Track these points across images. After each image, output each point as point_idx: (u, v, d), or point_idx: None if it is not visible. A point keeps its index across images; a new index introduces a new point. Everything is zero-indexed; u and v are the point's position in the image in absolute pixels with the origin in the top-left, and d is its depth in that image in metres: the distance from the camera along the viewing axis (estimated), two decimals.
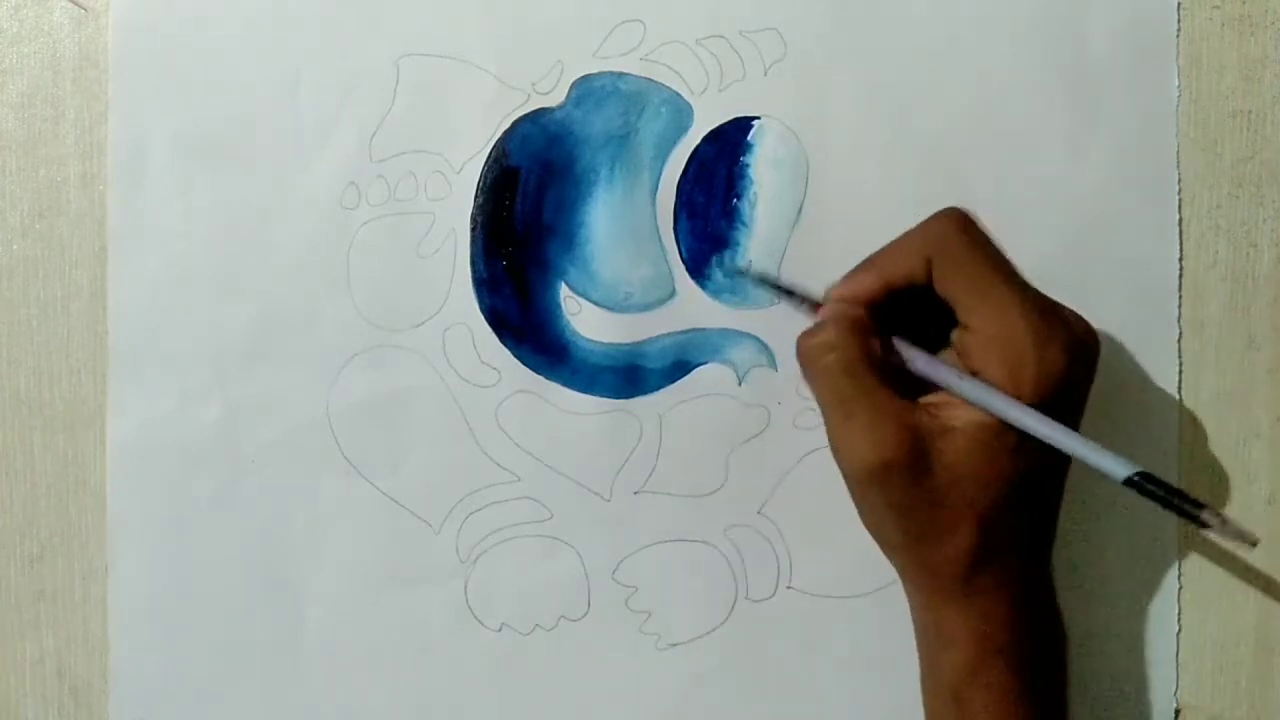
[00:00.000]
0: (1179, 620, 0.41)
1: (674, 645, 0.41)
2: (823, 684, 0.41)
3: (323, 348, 0.41)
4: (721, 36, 0.41)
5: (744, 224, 0.41)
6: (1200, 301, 0.41)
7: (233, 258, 0.41)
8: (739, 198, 0.41)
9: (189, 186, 0.41)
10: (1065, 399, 0.35)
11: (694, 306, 0.41)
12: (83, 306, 0.41)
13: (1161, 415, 0.41)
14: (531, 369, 0.41)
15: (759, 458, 0.41)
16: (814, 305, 0.38)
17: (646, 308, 0.41)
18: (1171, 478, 0.41)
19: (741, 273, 0.40)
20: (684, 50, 0.41)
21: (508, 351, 0.41)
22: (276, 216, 0.41)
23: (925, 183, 0.40)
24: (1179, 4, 0.41)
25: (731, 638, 0.41)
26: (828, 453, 0.41)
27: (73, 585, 0.41)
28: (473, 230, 0.41)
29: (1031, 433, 0.34)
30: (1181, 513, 0.34)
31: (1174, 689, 0.41)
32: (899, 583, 0.38)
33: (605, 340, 0.41)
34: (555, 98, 0.41)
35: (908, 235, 0.36)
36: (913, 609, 0.38)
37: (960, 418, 0.35)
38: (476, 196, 0.41)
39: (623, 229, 0.41)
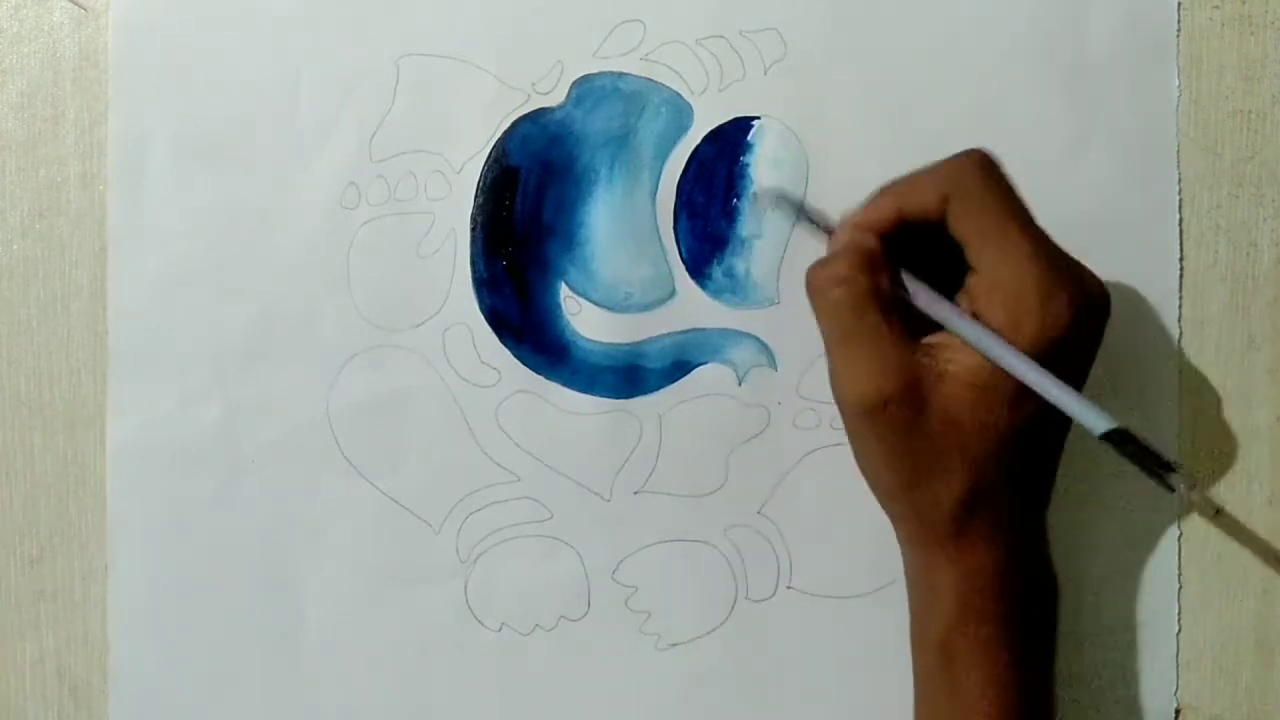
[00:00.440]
0: (1179, 620, 0.41)
1: (674, 645, 0.41)
2: (823, 684, 0.41)
3: (323, 348, 0.41)
4: (721, 36, 0.41)
5: (744, 224, 0.41)
6: (1200, 301, 0.41)
7: (233, 258, 0.41)
8: (739, 198, 0.41)
9: (189, 186, 0.41)
10: (1067, 353, 0.35)
11: (694, 306, 0.41)
12: (83, 306, 0.41)
13: (1161, 415, 0.41)
14: (531, 369, 0.41)
15: (759, 458, 0.41)
16: (828, 230, 0.37)
17: (646, 308, 0.41)
18: None
19: (758, 194, 0.40)
20: (684, 50, 0.41)
21: (508, 351, 0.41)
22: (276, 216, 0.41)
23: None
24: (1179, 4, 0.41)
25: (731, 638, 0.41)
26: (828, 453, 0.41)
27: (73, 585, 0.41)
28: (473, 230, 0.41)
29: (1019, 377, 0.34)
30: (1153, 474, 0.34)
31: (1174, 689, 0.41)
32: (899, 583, 0.38)
33: (605, 340, 0.41)
34: (555, 98, 0.41)
35: (929, 169, 0.36)
36: (905, 562, 0.38)
37: (958, 361, 0.35)
38: (476, 196, 0.41)
39: (623, 229, 0.41)
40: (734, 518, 0.41)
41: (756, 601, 0.41)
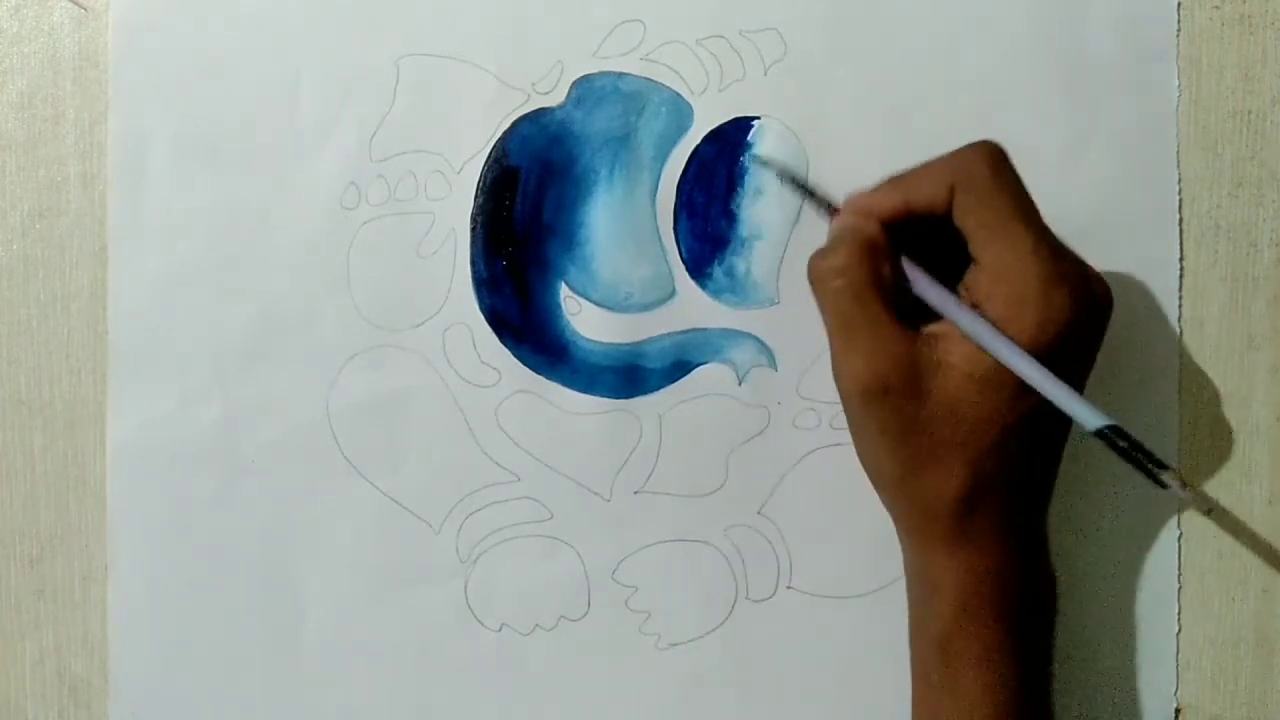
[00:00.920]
0: (1179, 620, 0.41)
1: (674, 645, 0.41)
2: (823, 684, 0.41)
3: (323, 348, 0.41)
4: (721, 36, 0.41)
5: (744, 224, 0.41)
6: (1200, 301, 0.41)
7: (233, 258, 0.41)
8: (739, 198, 0.41)
9: (189, 186, 0.41)
10: (1068, 349, 0.35)
11: (694, 306, 0.41)
12: (83, 306, 0.41)
13: (1161, 414, 0.41)
14: (531, 369, 0.41)
15: (759, 458, 0.41)
16: (832, 209, 0.38)
17: (646, 308, 0.41)
18: None
19: (764, 164, 0.40)
20: (684, 50, 0.41)
21: (508, 351, 0.41)
22: (276, 216, 0.41)
23: None
24: (1179, 4, 0.41)
25: (731, 638, 0.41)
26: (828, 453, 0.41)
27: (73, 585, 0.41)
28: (473, 230, 0.41)
29: (1013, 370, 0.34)
30: (1146, 472, 0.34)
31: (1174, 689, 0.41)
32: (899, 582, 0.38)
33: (605, 340, 0.41)
34: (555, 98, 0.41)
35: (937, 161, 0.36)
36: (904, 558, 0.38)
37: (959, 352, 0.35)
38: (476, 196, 0.41)
39: (623, 229, 0.41)
40: (734, 518, 0.41)
41: (756, 601, 0.41)
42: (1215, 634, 0.41)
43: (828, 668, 0.41)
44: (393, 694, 0.41)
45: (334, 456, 0.41)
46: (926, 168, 0.36)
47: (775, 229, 0.41)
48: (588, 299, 0.41)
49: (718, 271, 0.41)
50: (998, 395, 0.34)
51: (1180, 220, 0.41)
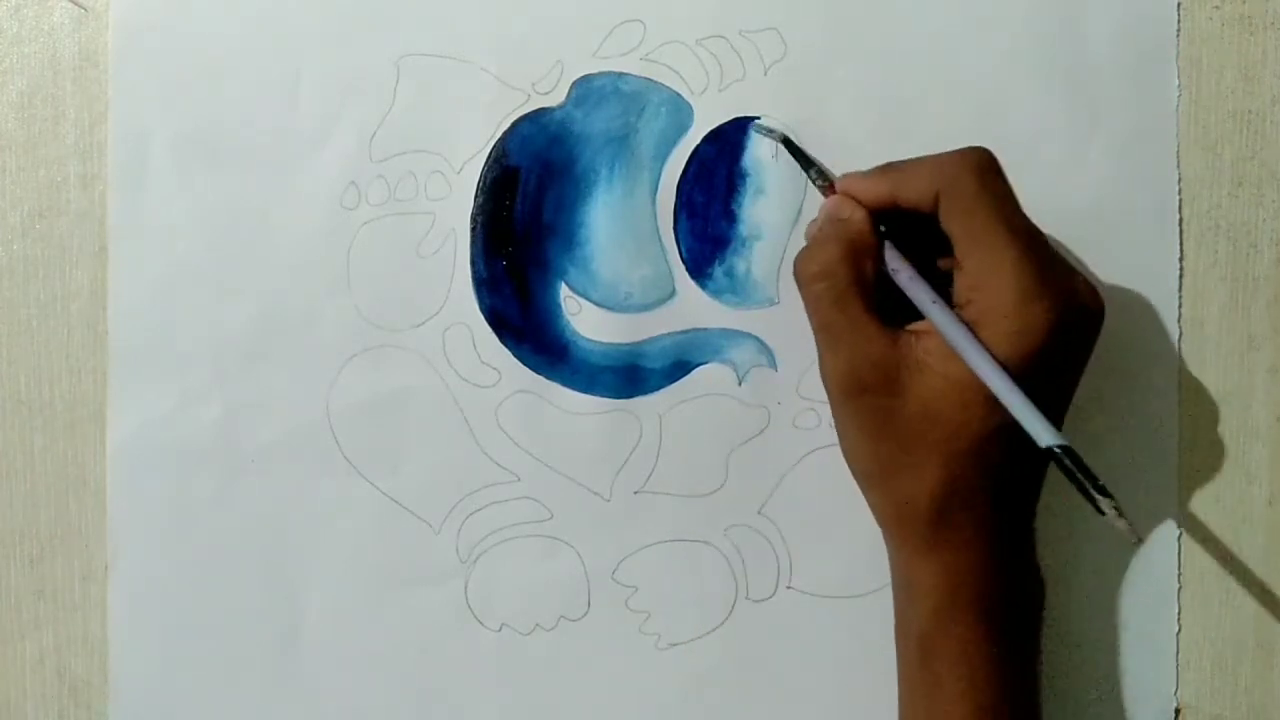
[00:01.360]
0: (1179, 620, 0.41)
1: (674, 645, 0.41)
2: (823, 684, 0.41)
3: (323, 348, 0.41)
4: (721, 36, 0.41)
5: (744, 224, 0.41)
6: (1200, 301, 0.41)
7: (233, 258, 0.41)
8: (739, 198, 0.41)
9: (189, 186, 0.41)
10: (1046, 363, 0.34)
11: (694, 306, 0.41)
12: (83, 306, 0.41)
13: (1161, 414, 0.41)
14: (531, 369, 0.41)
15: (759, 458, 0.41)
16: (829, 186, 0.38)
17: (646, 308, 0.41)
18: (1171, 477, 0.41)
19: (767, 131, 0.40)
20: (684, 50, 0.41)
21: (508, 351, 0.41)
22: (276, 216, 0.41)
23: None
24: (1179, 4, 0.41)
25: (731, 638, 0.41)
26: (828, 453, 0.41)
27: (73, 585, 0.41)
28: (473, 230, 0.41)
29: (976, 373, 0.34)
30: (1086, 495, 0.33)
31: (1174, 689, 0.41)
32: None
33: (605, 340, 0.41)
34: (555, 98, 0.41)
35: (927, 160, 0.36)
36: (889, 556, 0.38)
37: (937, 353, 0.35)
38: (476, 196, 0.41)
39: (623, 229, 0.41)
40: (734, 518, 0.41)
41: (756, 601, 0.41)
42: (1215, 634, 0.41)
43: (828, 668, 0.41)
44: (393, 694, 0.41)
45: (334, 456, 0.41)
46: (917, 165, 0.36)
47: (775, 229, 0.41)
48: (588, 299, 0.41)
49: (718, 271, 0.41)
50: (975, 399, 0.34)
51: (1180, 220, 0.41)
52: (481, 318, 0.41)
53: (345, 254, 0.41)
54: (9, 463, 0.41)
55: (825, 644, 0.41)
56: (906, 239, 0.36)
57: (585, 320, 0.41)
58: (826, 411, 0.41)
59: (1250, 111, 0.41)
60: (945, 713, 0.36)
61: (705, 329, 0.41)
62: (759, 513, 0.41)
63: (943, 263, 0.37)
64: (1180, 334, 0.41)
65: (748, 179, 0.41)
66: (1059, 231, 0.41)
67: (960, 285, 0.35)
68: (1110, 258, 0.41)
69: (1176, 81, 0.41)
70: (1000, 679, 0.36)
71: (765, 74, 0.41)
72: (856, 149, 0.41)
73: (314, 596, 0.41)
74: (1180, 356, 0.41)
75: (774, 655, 0.41)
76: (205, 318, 0.41)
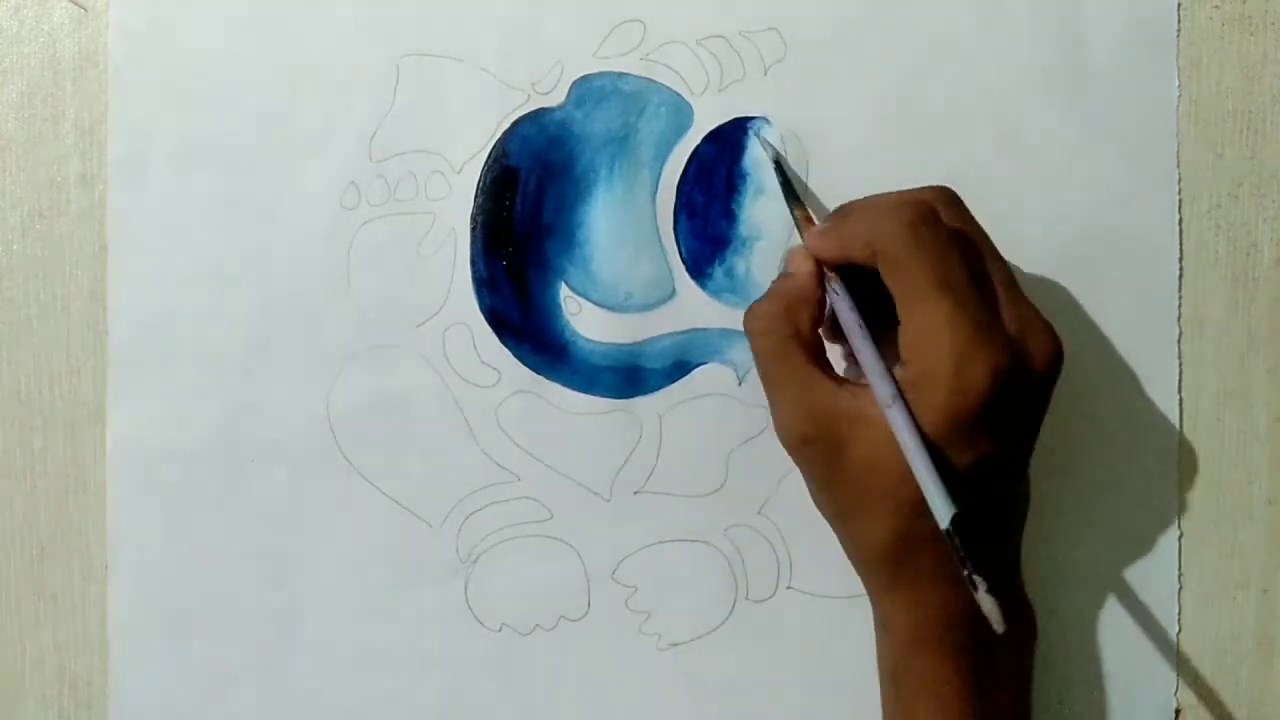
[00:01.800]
0: (1179, 620, 0.41)
1: (674, 645, 0.41)
2: (823, 684, 0.41)
3: (323, 348, 0.41)
4: (721, 36, 0.41)
5: (744, 224, 0.41)
6: (1200, 301, 0.41)
7: (232, 258, 0.41)
8: (739, 198, 0.41)
9: (189, 186, 0.41)
10: (989, 419, 0.33)
11: (694, 306, 0.41)
12: (83, 306, 0.41)
13: (1161, 415, 0.41)
14: (531, 369, 0.41)
15: (759, 458, 0.41)
16: (805, 219, 0.38)
17: (646, 308, 0.41)
18: (1171, 477, 0.41)
19: (765, 144, 0.40)
20: (684, 50, 0.41)
21: (508, 351, 0.41)
22: (276, 216, 0.41)
23: (925, 183, 0.40)
24: (1179, 4, 0.41)
25: (731, 638, 0.41)
26: None
27: (73, 585, 0.41)
28: (473, 230, 0.41)
29: (895, 433, 0.33)
30: (964, 573, 0.32)
31: (1174, 689, 0.41)
32: None
33: (605, 340, 0.41)
34: (555, 98, 0.41)
35: (866, 213, 0.35)
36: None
37: (875, 405, 0.34)
38: (476, 196, 0.41)
39: (623, 229, 0.41)
40: (734, 518, 0.41)
41: (756, 601, 0.41)
42: (1215, 634, 0.41)
43: (828, 668, 0.41)
44: (393, 694, 0.41)
45: (334, 456, 0.41)
46: (857, 218, 0.35)
47: (775, 229, 0.41)
48: (588, 299, 0.41)
49: (718, 271, 0.41)
50: None
51: (1180, 220, 0.41)
52: (481, 318, 0.41)
53: (345, 254, 0.41)
54: (9, 463, 0.41)
55: (825, 644, 0.41)
56: (876, 286, 0.35)
57: (585, 320, 0.41)
58: None
59: (1250, 111, 0.41)
60: None
61: (705, 329, 0.41)
62: (759, 513, 0.41)
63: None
64: (1180, 334, 0.41)
65: (748, 179, 0.41)
66: (1059, 232, 0.40)
67: (901, 343, 0.34)
68: (1110, 258, 0.41)
69: (1176, 81, 0.41)
70: (973, 713, 0.35)
71: (765, 74, 0.41)
72: (856, 149, 0.41)
73: (314, 597, 0.41)
74: (1180, 356, 0.41)
75: (774, 655, 0.41)
76: (205, 318, 0.41)
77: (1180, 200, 0.41)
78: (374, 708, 0.41)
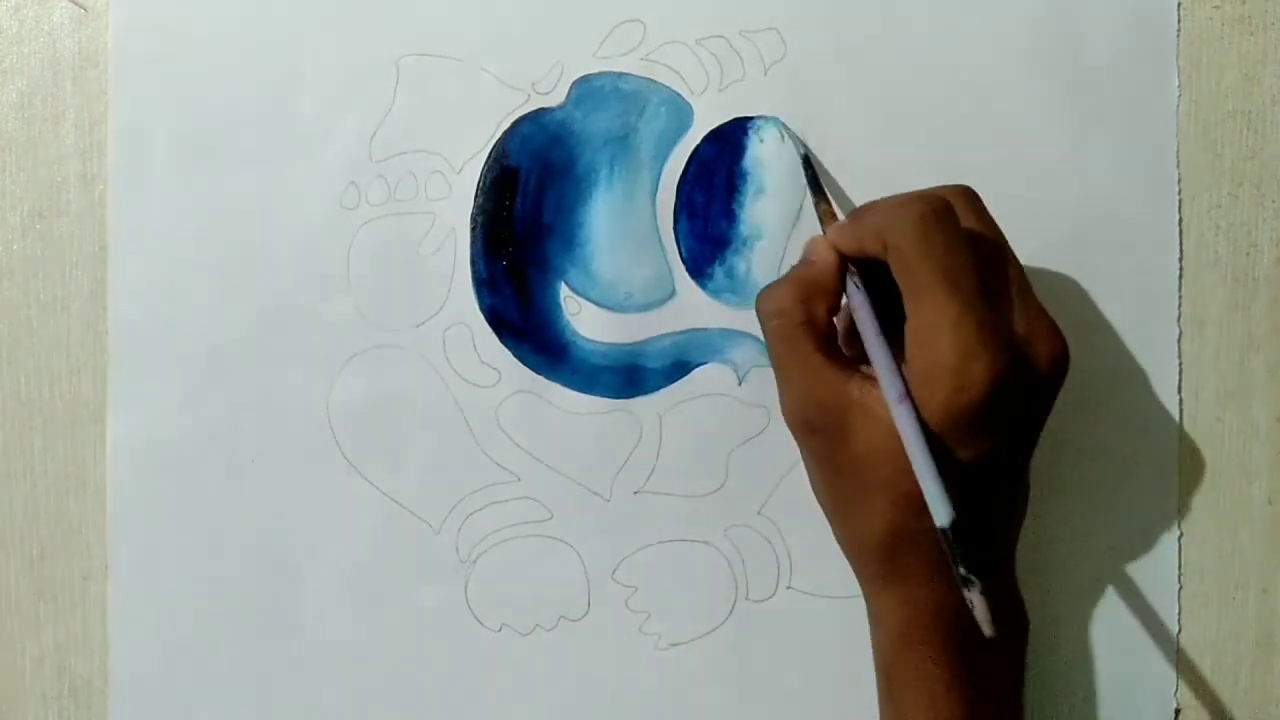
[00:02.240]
0: (1179, 620, 0.41)
1: (674, 645, 0.41)
2: (823, 684, 0.41)
3: (323, 348, 0.41)
4: (721, 36, 0.41)
5: (744, 224, 0.41)
6: (1200, 301, 0.41)
7: (233, 258, 0.41)
8: (739, 198, 0.41)
9: (189, 186, 0.41)
10: (990, 418, 0.33)
11: (694, 306, 0.41)
12: (83, 306, 0.41)
13: (1161, 415, 0.41)
14: (531, 369, 0.41)
15: (759, 458, 0.41)
16: (827, 215, 0.38)
17: (646, 308, 0.41)
18: (1171, 478, 0.41)
19: (792, 136, 0.40)
20: (684, 50, 0.41)
21: (508, 351, 0.41)
22: (276, 216, 0.41)
23: (925, 183, 0.40)
24: (1179, 4, 0.41)
25: (731, 638, 0.41)
26: None
27: (73, 585, 0.41)
28: (473, 230, 0.41)
29: (899, 430, 0.33)
30: (958, 572, 0.33)
31: (1174, 689, 0.41)
32: None
33: (605, 340, 0.41)
34: (555, 98, 0.41)
35: (879, 210, 0.35)
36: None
37: (884, 399, 0.34)
38: (476, 196, 0.41)
39: (623, 229, 0.41)
40: (734, 518, 0.41)
41: (756, 601, 0.41)
42: (1215, 634, 0.41)
43: (828, 668, 0.41)
44: (393, 694, 0.41)
45: (334, 456, 0.41)
46: (873, 213, 0.35)
47: (775, 229, 0.41)
48: (588, 299, 0.41)
49: (718, 271, 0.41)
50: None
51: (1180, 220, 0.41)
52: (481, 318, 0.41)
53: (345, 254, 0.41)
54: (9, 463, 0.41)
55: (825, 644, 0.41)
56: (891, 284, 0.35)
57: (585, 320, 0.41)
58: None
59: (1250, 111, 0.41)
60: None
61: (705, 329, 0.41)
62: (759, 513, 0.41)
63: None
64: (1180, 334, 0.41)
65: (748, 179, 0.41)
66: (1059, 232, 0.40)
67: (907, 338, 0.34)
68: (1110, 258, 0.41)
69: (1176, 81, 0.41)
70: (965, 710, 0.35)
71: (765, 74, 0.41)
72: (857, 149, 0.41)
73: (314, 596, 0.41)
74: (1180, 356, 0.41)
75: (774, 655, 0.41)
76: (205, 318, 0.41)
77: (1180, 200, 0.41)
78: (374, 707, 0.41)
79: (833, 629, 0.41)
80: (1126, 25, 0.41)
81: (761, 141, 0.41)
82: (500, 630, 0.41)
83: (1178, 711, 0.41)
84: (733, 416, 0.41)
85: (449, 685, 0.41)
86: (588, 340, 0.41)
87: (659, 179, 0.41)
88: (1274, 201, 0.41)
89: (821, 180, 0.40)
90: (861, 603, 0.37)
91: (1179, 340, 0.41)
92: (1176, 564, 0.41)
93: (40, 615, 0.41)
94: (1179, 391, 0.41)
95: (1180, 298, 0.41)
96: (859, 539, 0.36)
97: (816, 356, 0.35)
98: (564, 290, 0.41)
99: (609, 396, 0.41)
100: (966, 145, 0.41)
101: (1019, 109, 0.41)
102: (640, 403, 0.41)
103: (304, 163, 0.41)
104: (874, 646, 0.37)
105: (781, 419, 0.37)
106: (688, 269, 0.41)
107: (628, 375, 0.41)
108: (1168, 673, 0.41)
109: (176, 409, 0.41)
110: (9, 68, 0.41)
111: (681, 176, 0.41)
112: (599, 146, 0.41)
